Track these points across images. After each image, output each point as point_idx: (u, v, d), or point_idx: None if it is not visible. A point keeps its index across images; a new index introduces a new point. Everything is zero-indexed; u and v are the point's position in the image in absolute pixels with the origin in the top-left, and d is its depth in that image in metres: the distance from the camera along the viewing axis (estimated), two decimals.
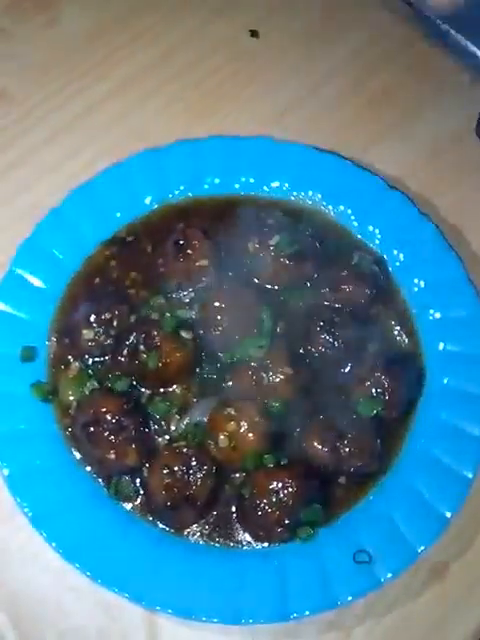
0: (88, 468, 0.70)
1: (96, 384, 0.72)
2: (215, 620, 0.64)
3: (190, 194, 0.81)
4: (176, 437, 0.70)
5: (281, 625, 0.65)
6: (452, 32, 0.87)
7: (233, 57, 0.92)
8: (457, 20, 0.87)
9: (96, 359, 0.73)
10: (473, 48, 0.87)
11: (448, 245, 0.77)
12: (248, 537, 0.68)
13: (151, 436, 0.71)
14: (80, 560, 0.66)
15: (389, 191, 0.79)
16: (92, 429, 0.68)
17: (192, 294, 0.75)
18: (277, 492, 0.65)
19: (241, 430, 0.67)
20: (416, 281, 0.77)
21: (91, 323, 0.72)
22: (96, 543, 0.67)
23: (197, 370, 0.73)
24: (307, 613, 0.64)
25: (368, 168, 0.81)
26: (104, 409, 0.68)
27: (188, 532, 0.69)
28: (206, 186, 0.81)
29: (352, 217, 0.80)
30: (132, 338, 0.72)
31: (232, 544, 0.68)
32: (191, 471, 0.67)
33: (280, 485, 0.65)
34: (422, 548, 0.66)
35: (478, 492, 0.69)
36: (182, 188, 0.81)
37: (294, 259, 0.75)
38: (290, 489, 0.65)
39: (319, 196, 0.80)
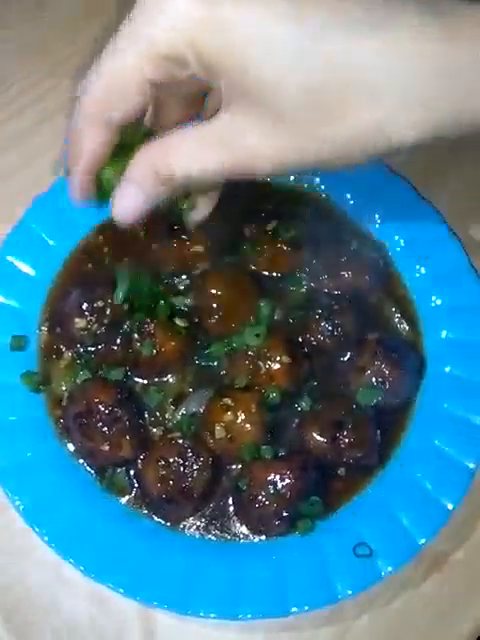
0: (81, 460, 0.69)
1: (88, 374, 0.70)
2: (212, 615, 0.63)
3: None
4: (171, 428, 0.69)
5: (280, 620, 0.64)
6: None
7: None
8: None
9: (89, 348, 0.72)
10: None
11: (450, 231, 0.75)
12: (246, 530, 0.67)
13: (146, 427, 0.69)
14: (73, 554, 0.64)
15: (389, 176, 0.77)
16: (85, 420, 0.66)
17: (187, 281, 0.74)
18: (275, 484, 0.64)
19: (238, 421, 0.66)
20: (417, 267, 0.75)
21: (83, 311, 0.70)
22: (90, 537, 0.65)
23: (192, 359, 0.71)
24: (306, 608, 0.63)
25: None
26: (97, 399, 0.67)
27: (184, 525, 0.67)
28: None
29: (351, 202, 0.78)
30: (125, 326, 0.70)
31: (229, 537, 0.67)
32: (187, 463, 0.65)
33: (278, 477, 0.64)
34: (423, 540, 0.65)
35: None
36: None
37: (292, 245, 0.73)
38: (288, 481, 0.64)
39: (317, 180, 0.79)
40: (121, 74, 0.45)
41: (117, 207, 0.50)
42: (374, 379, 0.68)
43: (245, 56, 0.42)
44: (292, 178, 0.79)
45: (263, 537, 0.67)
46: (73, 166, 0.51)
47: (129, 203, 0.49)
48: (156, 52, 0.44)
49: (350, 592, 0.63)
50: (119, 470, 0.68)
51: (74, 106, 0.48)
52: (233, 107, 0.44)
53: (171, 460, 0.65)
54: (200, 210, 0.59)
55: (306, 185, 0.79)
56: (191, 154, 0.46)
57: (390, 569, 0.64)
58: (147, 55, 0.44)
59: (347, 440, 0.66)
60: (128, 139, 0.51)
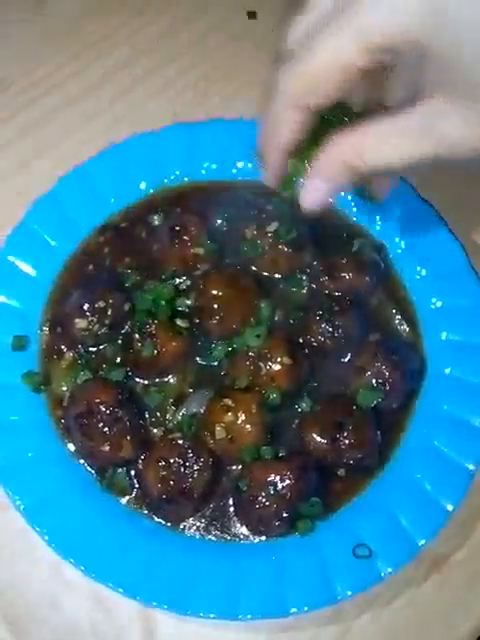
0: (82, 460, 0.69)
1: (89, 374, 0.70)
2: (212, 616, 0.63)
3: (186, 179, 0.79)
4: (172, 428, 0.69)
5: (280, 620, 0.64)
6: None
7: (230, 38, 0.90)
8: None
9: (90, 349, 0.72)
10: None
11: (450, 233, 0.75)
12: (246, 531, 0.67)
13: (146, 427, 0.69)
14: (74, 554, 0.64)
15: None
16: (85, 420, 0.66)
17: (188, 281, 0.74)
18: (275, 485, 0.64)
19: (238, 421, 0.66)
20: (418, 269, 0.75)
21: (84, 312, 0.70)
22: (90, 537, 0.65)
23: (193, 360, 0.71)
24: (306, 608, 0.63)
25: None
26: (98, 400, 0.67)
27: (184, 526, 0.67)
28: (203, 171, 0.79)
29: (352, 204, 0.78)
30: (126, 327, 0.70)
31: (229, 538, 0.67)
32: (187, 463, 0.65)
33: (278, 478, 0.64)
34: (423, 541, 0.65)
35: (479, 485, 0.68)
36: (178, 173, 0.79)
37: (293, 246, 0.73)
38: (288, 482, 0.64)
39: None
40: (332, 62, 0.45)
41: (306, 200, 0.52)
42: (374, 380, 0.69)
43: (461, 44, 0.42)
44: None
45: (263, 537, 0.67)
46: (270, 148, 0.52)
47: (318, 195, 0.51)
48: (371, 42, 0.44)
49: (350, 593, 0.63)
50: (119, 470, 0.68)
51: (274, 87, 0.49)
52: (438, 95, 0.45)
53: (171, 460, 0.65)
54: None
55: None
56: (390, 145, 0.47)
57: (390, 570, 0.64)
58: (362, 45, 0.44)
59: (347, 441, 0.66)
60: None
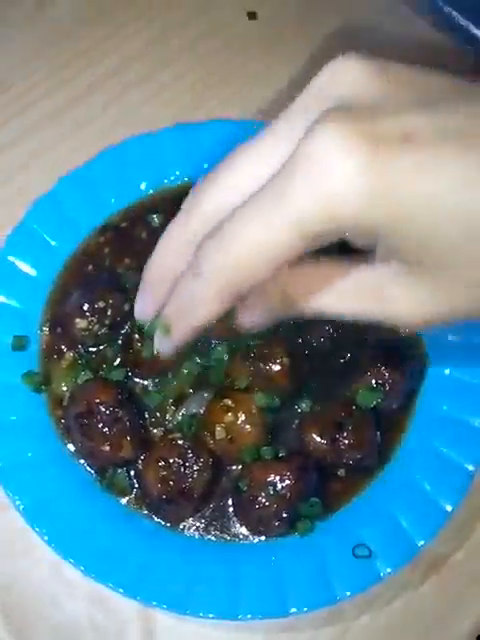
0: (81, 460, 0.69)
1: (89, 374, 0.70)
2: (211, 616, 0.63)
3: (187, 179, 0.79)
4: (172, 429, 0.69)
5: (279, 620, 0.64)
6: (455, 14, 0.86)
7: (230, 40, 0.90)
8: (460, 2, 0.86)
9: (90, 349, 0.72)
10: (476, 31, 0.86)
11: None
12: (245, 531, 0.67)
13: (146, 428, 0.69)
14: (73, 554, 0.64)
15: None
16: (85, 420, 0.66)
17: None
18: (275, 485, 0.64)
19: (238, 422, 0.66)
20: None
21: (84, 312, 0.70)
22: (90, 537, 0.65)
23: (193, 360, 0.71)
24: (306, 609, 0.63)
25: None
26: (98, 400, 0.67)
27: (184, 526, 0.67)
28: (203, 172, 0.79)
29: None
30: (127, 327, 0.71)
31: (229, 538, 0.67)
32: (187, 464, 0.65)
33: (278, 478, 0.64)
34: (422, 542, 0.65)
35: (479, 485, 0.68)
36: (178, 173, 0.79)
37: None
38: (288, 482, 0.64)
39: None
40: (261, 250, 0.39)
41: (243, 318, 0.48)
42: (374, 381, 0.68)
43: (413, 221, 0.37)
44: None
45: (263, 538, 0.67)
46: (180, 323, 0.46)
47: (253, 318, 0.48)
48: (308, 230, 0.38)
49: (349, 593, 0.63)
50: (119, 470, 0.68)
51: (196, 260, 0.42)
52: (392, 264, 0.41)
53: (171, 461, 0.65)
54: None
55: None
56: (335, 296, 0.44)
57: (389, 570, 0.64)
58: (297, 233, 0.38)
59: (347, 441, 0.66)
60: None
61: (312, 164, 0.36)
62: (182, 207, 0.46)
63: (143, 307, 0.50)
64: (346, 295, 0.44)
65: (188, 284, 0.44)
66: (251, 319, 0.48)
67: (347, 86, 0.40)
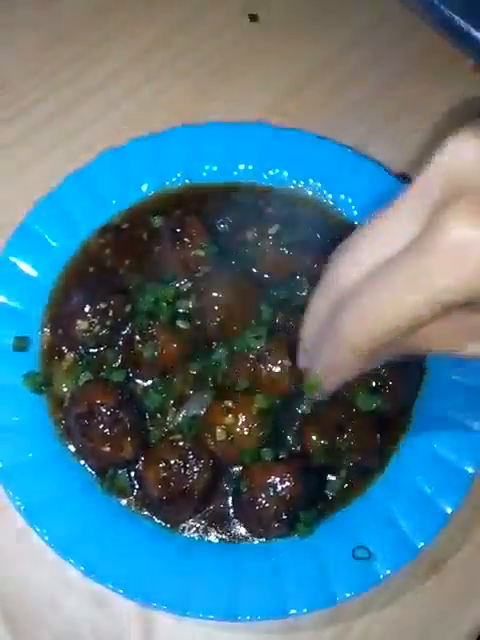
0: (82, 461, 0.69)
1: (90, 375, 0.70)
2: (211, 617, 0.63)
3: (187, 181, 0.79)
4: (172, 430, 0.69)
5: (279, 621, 0.65)
6: (456, 17, 0.86)
7: (232, 41, 0.90)
8: (461, 5, 0.86)
9: (91, 350, 0.72)
10: (476, 33, 0.86)
11: None
12: (245, 532, 0.67)
13: (147, 429, 0.69)
14: (74, 555, 0.65)
15: (392, 182, 0.78)
16: (86, 421, 0.66)
17: (189, 283, 0.74)
18: (275, 486, 0.64)
19: (239, 423, 0.66)
20: None
21: (85, 313, 0.70)
22: (90, 538, 0.65)
23: (194, 361, 0.71)
24: (305, 610, 0.63)
25: (369, 156, 0.80)
26: (98, 401, 0.67)
27: (184, 527, 0.67)
28: (204, 174, 0.80)
29: (353, 206, 0.78)
30: (128, 328, 0.71)
31: (229, 539, 0.67)
32: (187, 465, 0.66)
33: (278, 479, 0.64)
34: (422, 544, 0.65)
35: (479, 487, 0.68)
36: (179, 175, 0.79)
37: (294, 249, 0.73)
38: (288, 483, 0.64)
39: (319, 184, 0.79)
40: (401, 320, 0.43)
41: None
42: (374, 383, 0.69)
43: None
44: (294, 183, 0.79)
45: (262, 539, 0.67)
46: (328, 381, 0.55)
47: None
48: (449, 301, 0.40)
49: (349, 594, 0.63)
50: (120, 471, 0.68)
51: (333, 330, 0.48)
52: None
53: (172, 462, 0.66)
54: None
55: (309, 189, 0.79)
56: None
57: (389, 572, 0.64)
58: (436, 305, 0.41)
59: (347, 443, 0.66)
60: None
61: (452, 247, 0.39)
62: (323, 277, 0.51)
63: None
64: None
65: (331, 348, 0.50)
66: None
67: (471, 167, 0.42)
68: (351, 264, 0.47)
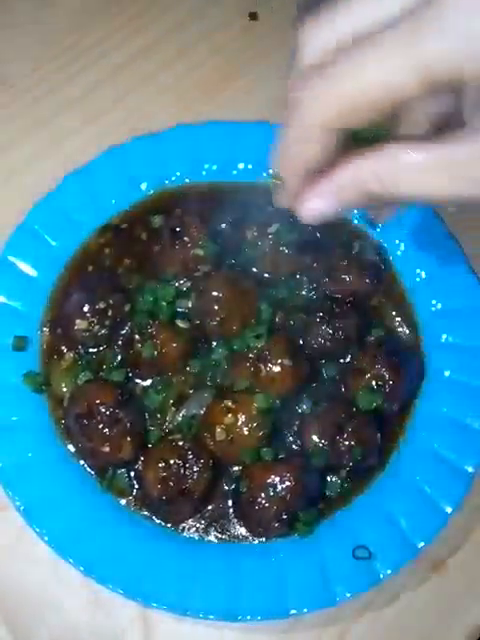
0: (82, 461, 0.69)
1: (90, 375, 0.70)
2: (211, 617, 0.63)
3: (187, 180, 0.79)
4: (172, 430, 0.69)
5: (279, 621, 0.64)
6: None
7: (232, 40, 0.90)
8: None
9: (90, 349, 0.72)
10: None
11: (450, 234, 0.75)
12: (245, 532, 0.67)
13: (146, 428, 0.69)
14: (73, 555, 0.65)
15: None
16: (85, 421, 0.66)
17: (189, 283, 0.74)
18: (275, 486, 0.64)
19: (238, 423, 0.66)
20: (417, 271, 0.75)
21: (85, 313, 0.70)
22: (90, 538, 0.65)
23: (193, 361, 0.71)
24: (305, 610, 0.63)
25: None
26: (98, 401, 0.67)
27: (184, 527, 0.67)
28: (204, 173, 0.79)
29: None
30: (127, 328, 0.71)
31: (229, 539, 0.67)
32: (187, 465, 0.65)
33: (278, 479, 0.64)
34: (422, 544, 0.65)
35: (479, 487, 0.68)
36: (179, 174, 0.79)
37: (293, 248, 0.73)
38: (288, 483, 0.64)
39: None
40: (380, 87, 0.39)
41: (305, 210, 0.47)
42: (374, 382, 0.69)
43: None
44: None
45: (263, 539, 0.67)
46: (289, 171, 0.46)
47: (322, 210, 0.46)
48: (436, 77, 0.37)
49: (349, 594, 0.63)
50: (119, 471, 0.68)
51: (296, 101, 0.42)
52: None
53: (171, 462, 0.65)
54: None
55: None
56: (424, 179, 0.41)
57: (389, 572, 0.64)
58: (422, 78, 0.37)
59: (347, 443, 0.66)
60: None
61: (431, 18, 0.36)
62: (298, 47, 0.44)
63: (281, 198, 0.50)
64: (438, 176, 0.41)
65: (292, 124, 0.44)
66: (317, 207, 0.46)
67: None
68: (323, 29, 0.42)
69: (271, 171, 0.48)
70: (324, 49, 0.42)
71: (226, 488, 0.68)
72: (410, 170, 0.41)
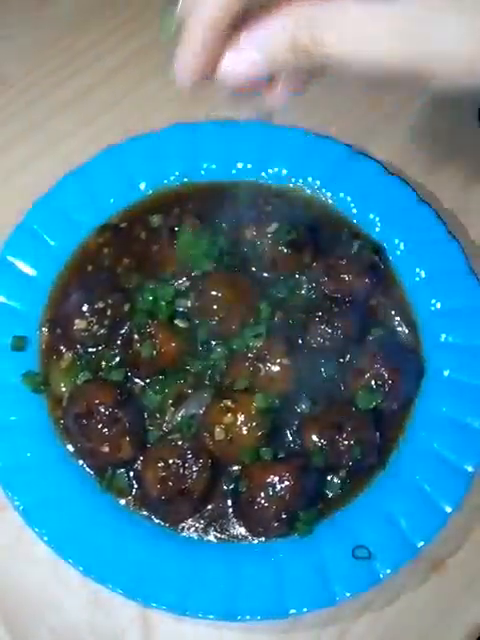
0: (81, 461, 0.69)
1: (89, 375, 0.70)
2: (211, 617, 0.63)
3: (186, 180, 0.79)
4: (171, 429, 0.69)
5: (278, 621, 0.64)
6: None
7: None
8: None
9: (89, 349, 0.72)
10: None
11: (449, 233, 0.75)
12: (244, 532, 0.67)
13: (145, 428, 0.69)
14: (73, 555, 0.64)
15: (389, 178, 0.77)
16: (85, 421, 0.66)
17: (188, 282, 0.74)
18: (274, 486, 0.64)
19: (237, 422, 0.66)
20: (417, 271, 0.75)
21: (84, 313, 0.70)
22: (89, 538, 0.65)
23: (192, 360, 0.71)
24: (305, 610, 0.63)
25: (367, 154, 0.80)
26: (97, 400, 0.67)
27: (183, 527, 0.67)
28: (202, 172, 0.79)
29: (351, 204, 0.78)
30: (126, 327, 0.70)
31: (228, 539, 0.67)
32: (186, 464, 0.65)
33: (277, 479, 0.64)
34: (422, 543, 0.65)
35: (478, 486, 0.68)
36: (178, 173, 0.79)
37: (292, 247, 0.73)
38: (287, 483, 0.64)
39: (318, 182, 0.79)
40: None
41: (227, 66, 0.40)
42: (373, 382, 0.68)
43: None
44: (292, 181, 0.79)
45: (262, 539, 0.67)
46: (195, 25, 0.40)
47: (243, 67, 0.39)
48: None
49: (348, 594, 0.63)
50: (119, 471, 0.68)
51: None
52: None
53: (171, 461, 0.65)
54: (278, 97, 0.46)
55: (307, 187, 0.79)
56: (365, 37, 0.36)
57: (388, 571, 0.64)
58: None
59: (346, 442, 0.66)
60: None
61: None
62: None
63: (183, 66, 0.44)
64: (382, 35, 0.37)
65: None
66: (241, 61, 0.39)
67: None
68: None
69: (173, 16, 0.42)
70: None
71: (225, 488, 0.68)
72: (354, 25, 0.36)
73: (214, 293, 0.70)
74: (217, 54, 0.41)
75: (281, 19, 0.38)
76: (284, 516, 0.64)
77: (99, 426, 0.66)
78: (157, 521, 0.68)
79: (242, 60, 0.40)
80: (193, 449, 0.66)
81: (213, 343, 0.71)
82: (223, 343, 0.71)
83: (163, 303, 0.70)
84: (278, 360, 0.68)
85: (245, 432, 0.66)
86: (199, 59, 0.41)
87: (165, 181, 0.79)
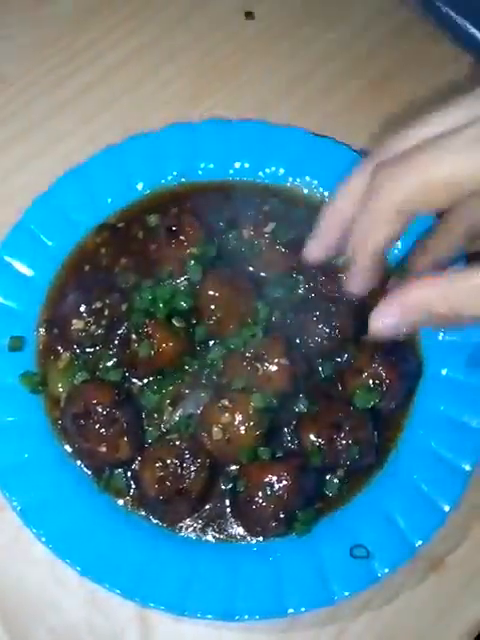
0: (78, 461, 0.69)
1: (86, 375, 0.70)
2: (209, 616, 0.63)
3: (183, 179, 0.79)
4: (169, 429, 0.69)
5: (277, 621, 0.64)
6: (452, 14, 0.85)
7: (228, 39, 0.90)
8: (457, 1, 0.86)
9: (87, 349, 0.71)
10: (473, 30, 0.86)
11: None
12: (242, 531, 0.67)
13: (143, 428, 0.69)
14: (71, 555, 0.64)
15: None
16: (82, 421, 0.66)
17: (185, 282, 0.73)
18: (272, 485, 0.64)
19: (235, 422, 0.66)
20: None
21: (81, 313, 0.70)
22: (87, 538, 0.65)
23: (190, 360, 0.71)
24: (303, 609, 0.63)
25: (366, 154, 0.80)
26: (95, 401, 0.67)
27: (181, 527, 0.67)
28: (200, 171, 0.79)
29: None
30: (124, 327, 0.70)
31: (226, 539, 0.67)
32: (184, 464, 0.65)
33: (275, 478, 0.64)
34: (420, 542, 0.65)
35: (476, 485, 0.68)
36: (175, 173, 0.79)
37: (290, 247, 0.73)
38: (285, 482, 0.64)
39: (315, 182, 0.79)
40: (455, 175, 0.43)
41: (376, 325, 0.48)
42: (371, 381, 0.68)
43: None
44: (290, 181, 0.79)
45: (260, 538, 0.67)
46: (362, 252, 0.49)
47: (389, 324, 0.47)
48: None
49: (347, 594, 0.63)
50: (116, 471, 0.68)
51: (373, 187, 0.46)
52: None
53: (168, 461, 0.65)
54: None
55: (305, 187, 0.79)
56: None
57: (386, 571, 0.64)
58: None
59: (344, 442, 0.66)
60: None
61: None
62: (372, 153, 0.49)
63: (315, 248, 0.56)
64: None
65: (365, 215, 0.48)
66: (385, 324, 0.47)
67: None
68: (400, 138, 0.48)
69: (345, 256, 0.51)
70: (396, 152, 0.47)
71: (223, 487, 0.68)
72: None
73: (211, 293, 0.70)
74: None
75: (417, 293, 0.46)
76: (282, 516, 0.64)
77: (97, 426, 0.66)
78: (155, 521, 0.68)
79: (387, 322, 0.47)
80: (191, 449, 0.66)
81: (211, 343, 0.71)
82: (221, 343, 0.71)
83: (160, 303, 0.70)
84: (276, 360, 0.68)
85: (243, 432, 0.66)
86: (360, 274, 0.52)
87: (163, 180, 0.79)
